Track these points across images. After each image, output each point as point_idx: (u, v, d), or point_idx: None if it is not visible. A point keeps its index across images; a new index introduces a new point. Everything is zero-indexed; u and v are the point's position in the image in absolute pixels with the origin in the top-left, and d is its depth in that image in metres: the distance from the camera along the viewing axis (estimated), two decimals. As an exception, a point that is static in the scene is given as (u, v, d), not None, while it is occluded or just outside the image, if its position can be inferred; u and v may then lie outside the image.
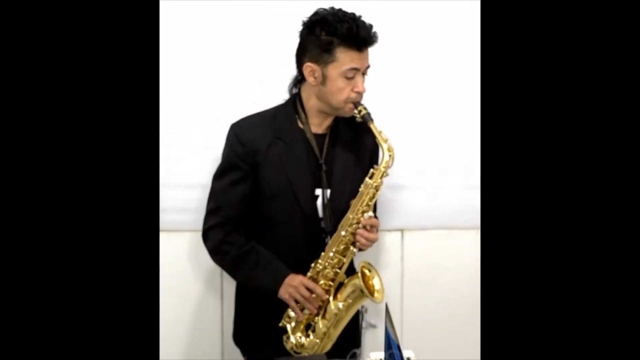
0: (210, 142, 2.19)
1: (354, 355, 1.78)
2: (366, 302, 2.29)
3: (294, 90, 1.95)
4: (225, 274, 2.26)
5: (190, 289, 2.28)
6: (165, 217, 2.12)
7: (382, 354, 1.62)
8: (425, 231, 2.34)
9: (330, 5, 1.83)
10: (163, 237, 1.85)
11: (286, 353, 1.92)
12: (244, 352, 2.06)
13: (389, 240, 2.32)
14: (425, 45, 2.23)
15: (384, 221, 2.30)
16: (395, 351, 1.47)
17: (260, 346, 1.97)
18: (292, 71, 2.04)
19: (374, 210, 2.05)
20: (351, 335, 1.93)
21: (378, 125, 1.96)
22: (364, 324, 2.30)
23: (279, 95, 2.04)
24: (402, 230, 2.32)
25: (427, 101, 2.26)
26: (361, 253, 1.92)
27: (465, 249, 2.30)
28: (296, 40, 1.89)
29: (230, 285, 2.28)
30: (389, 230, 2.32)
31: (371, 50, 2.22)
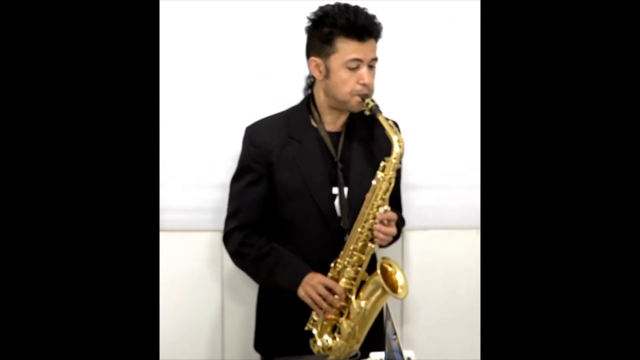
0: (210, 142, 2.19)
1: (355, 355, 1.77)
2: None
3: (309, 92, 1.95)
4: (224, 274, 2.27)
5: (190, 289, 2.27)
6: (165, 217, 2.12)
7: (382, 354, 1.62)
8: (425, 231, 2.33)
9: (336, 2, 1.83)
10: (163, 237, 1.85)
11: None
12: (266, 358, 2.02)
13: (389, 240, 2.32)
14: (425, 45, 2.23)
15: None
16: (395, 351, 1.47)
17: (284, 351, 1.89)
18: (294, 71, 2.04)
19: (398, 205, 2.02)
20: (376, 337, 1.84)
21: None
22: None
23: (282, 95, 2.05)
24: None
25: (427, 101, 2.26)
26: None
27: (465, 249, 2.29)
28: (298, 40, 1.90)
29: (231, 285, 2.28)
30: (389, 230, 2.32)
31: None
